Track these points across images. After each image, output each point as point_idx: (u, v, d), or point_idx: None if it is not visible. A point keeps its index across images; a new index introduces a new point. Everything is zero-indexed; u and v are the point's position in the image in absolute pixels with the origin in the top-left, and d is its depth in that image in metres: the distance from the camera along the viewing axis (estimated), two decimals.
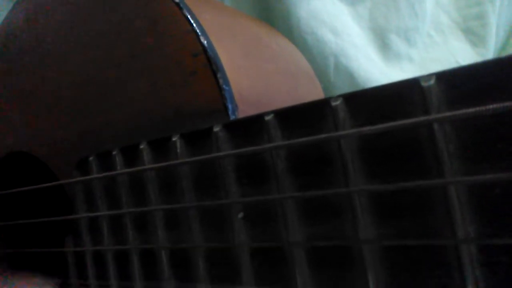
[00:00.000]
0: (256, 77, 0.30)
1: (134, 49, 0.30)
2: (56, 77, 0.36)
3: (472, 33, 0.58)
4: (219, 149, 0.24)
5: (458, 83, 0.17)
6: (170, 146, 0.26)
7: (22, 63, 0.39)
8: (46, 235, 0.40)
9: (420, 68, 0.56)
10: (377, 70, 0.54)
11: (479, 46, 0.58)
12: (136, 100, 0.30)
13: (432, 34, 0.58)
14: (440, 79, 0.17)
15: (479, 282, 0.17)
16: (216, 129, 0.24)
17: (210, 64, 0.26)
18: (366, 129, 0.19)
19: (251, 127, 0.23)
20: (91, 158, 0.31)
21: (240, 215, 0.23)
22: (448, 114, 0.17)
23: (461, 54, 0.57)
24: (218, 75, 0.26)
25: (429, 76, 0.17)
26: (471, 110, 0.16)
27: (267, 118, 0.22)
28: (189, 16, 0.27)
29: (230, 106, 0.26)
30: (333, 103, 0.20)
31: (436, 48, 0.58)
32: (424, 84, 0.17)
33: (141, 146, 0.28)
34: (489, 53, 0.58)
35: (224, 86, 0.26)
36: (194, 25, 0.27)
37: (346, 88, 0.52)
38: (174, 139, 0.26)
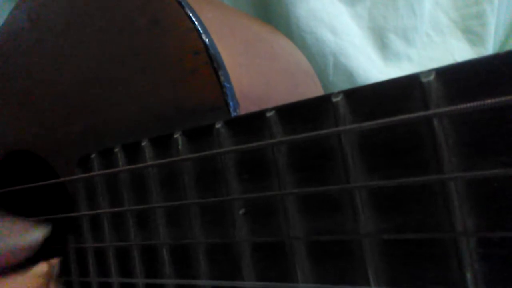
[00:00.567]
0: (256, 75, 0.30)
1: (136, 47, 0.30)
2: (57, 75, 0.36)
3: (471, 32, 0.58)
4: (221, 145, 0.24)
5: (457, 78, 0.17)
6: (172, 143, 0.26)
7: (24, 62, 0.39)
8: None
9: (419, 68, 0.56)
10: (376, 70, 0.54)
11: (478, 46, 0.58)
12: (138, 97, 0.30)
13: (431, 33, 0.58)
14: (440, 75, 0.17)
15: (478, 274, 0.17)
16: (217, 125, 0.24)
17: (212, 62, 0.27)
18: (367, 124, 0.19)
19: (253, 124, 0.23)
20: (92, 156, 0.31)
21: (242, 211, 0.24)
22: (447, 109, 0.17)
23: (460, 53, 0.58)
24: (220, 73, 0.27)
25: (429, 72, 0.17)
26: (470, 105, 0.16)
27: (268, 114, 0.22)
28: (190, 14, 0.27)
29: (231, 103, 0.26)
30: (334, 99, 0.20)
31: (434, 47, 0.58)
32: (424, 79, 0.18)
33: (143, 144, 0.28)
34: (488, 52, 0.58)
35: (225, 84, 0.26)
36: (196, 23, 0.27)
37: (345, 87, 0.52)
38: (175, 136, 0.26)
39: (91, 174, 0.31)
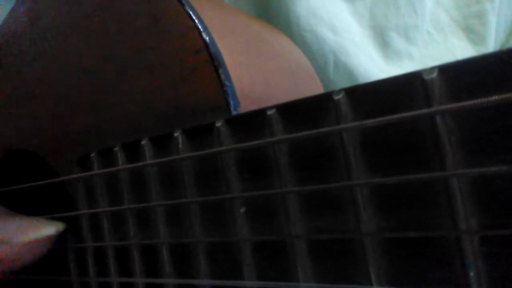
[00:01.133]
0: (257, 74, 0.30)
1: (136, 46, 0.30)
2: (57, 75, 0.36)
3: (472, 31, 0.58)
4: (221, 144, 0.24)
5: (460, 76, 0.17)
6: (172, 142, 0.26)
7: (24, 61, 0.39)
8: None
9: (420, 66, 0.56)
10: (376, 68, 0.54)
11: (479, 44, 0.58)
12: (138, 96, 0.30)
13: (432, 32, 0.58)
14: (443, 72, 0.17)
15: (481, 273, 0.17)
16: (218, 124, 0.24)
17: (212, 61, 0.27)
18: (369, 121, 0.19)
19: (253, 122, 0.23)
20: (92, 155, 0.31)
21: (242, 209, 0.24)
22: (450, 106, 0.17)
23: (461, 52, 0.58)
24: (220, 71, 0.26)
25: (432, 69, 0.17)
26: (473, 102, 0.16)
27: (269, 112, 0.22)
28: (191, 13, 0.27)
29: (232, 102, 0.26)
30: (335, 97, 0.20)
31: (436, 46, 0.58)
32: (426, 77, 0.17)
33: (143, 142, 0.28)
34: (488, 51, 0.58)
35: (226, 82, 0.26)
36: (196, 21, 0.27)
37: (345, 86, 0.52)
38: (176, 135, 0.26)
39: (91, 173, 0.31)
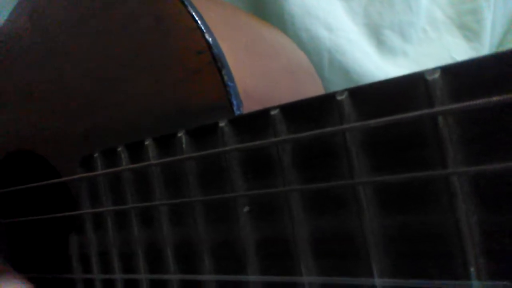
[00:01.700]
0: (259, 74, 0.30)
1: (139, 46, 0.30)
2: (59, 75, 0.36)
3: (467, 28, 0.58)
4: (225, 144, 0.24)
5: (462, 76, 0.17)
6: (176, 142, 0.26)
7: (26, 61, 0.39)
8: (50, 233, 0.40)
9: (415, 63, 0.56)
10: (372, 66, 0.55)
11: (474, 41, 0.58)
12: (141, 97, 0.30)
13: (427, 29, 0.58)
14: (445, 73, 0.17)
15: (482, 270, 0.17)
16: (221, 124, 0.24)
17: (215, 61, 0.27)
18: (372, 122, 0.19)
19: (257, 122, 0.23)
20: (95, 155, 0.31)
21: (246, 208, 0.24)
22: (451, 106, 0.17)
23: (456, 49, 0.58)
24: (223, 72, 0.27)
25: (434, 69, 0.18)
26: (474, 102, 0.17)
27: (273, 112, 0.22)
28: (193, 13, 0.28)
29: (235, 102, 0.26)
30: (339, 97, 0.20)
31: (430, 43, 0.58)
32: (429, 77, 0.18)
33: (146, 143, 0.28)
34: (484, 48, 0.58)
35: (229, 83, 0.26)
36: (199, 22, 0.27)
37: (341, 84, 0.53)
38: (179, 135, 0.26)
39: (95, 173, 0.31)
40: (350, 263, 0.21)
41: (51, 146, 0.37)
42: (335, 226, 0.21)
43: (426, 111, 0.18)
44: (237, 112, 0.26)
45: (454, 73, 0.17)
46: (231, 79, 0.27)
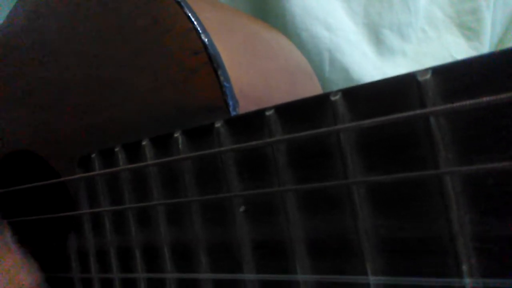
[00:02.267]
0: (256, 74, 0.30)
1: (136, 47, 0.30)
2: (58, 75, 0.36)
3: (466, 27, 0.59)
4: (221, 144, 0.24)
5: (453, 77, 0.17)
6: (172, 143, 0.26)
7: (25, 62, 0.39)
8: (49, 233, 0.40)
9: (414, 63, 0.57)
10: (371, 65, 0.55)
11: (474, 40, 0.58)
12: (138, 97, 0.30)
13: (426, 29, 0.58)
14: (436, 74, 0.18)
15: (474, 269, 0.17)
16: (217, 124, 0.24)
17: (211, 62, 0.27)
18: (365, 122, 0.19)
19: (252, 123, 0.23)
20: (93, 155, 0.31)
21: (242, 208, 0.24)
22: (444, 107, 0.17)
23: (455, 48, 0.58)
24: (219, 72, 0.27)
25: (426, 70, 0.18)
26: (466, 103, 0.17)
27: (267, 113, 0.22)
28: (190, 14, 0.28)
29: (231, 103, 0.27)
30: (333, 98, 0.20)
31: (430, 42, 0.58)
32: (420, 78, 0.18)
33: (143, 143, 0.28)
34: (483, 47, 0.59)
35: (225, 83, 0.27)
36: (195, 23, 0.27)
37: (341, 83, 0.53)
38: (176, 135, 0.26)
39: (93, 173, 0.31)
40: (344, 262, 0.21)
41: (50, 146, 0.37)
42: (329, 225, 0.21)
43: (417, 112, 0.18)
44: (233, 113, 0.26)
45: (446, 74, 0.17)
46: (227, 79, 0.27)
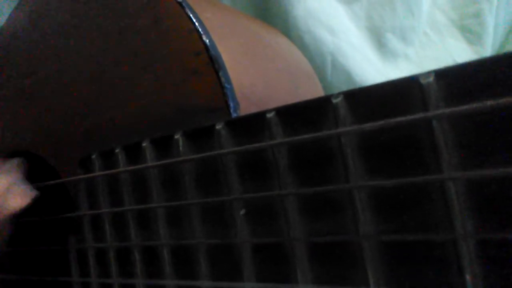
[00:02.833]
0: (257, 76, 0.30)
1: (137, 48, 0.30)
2: (58, 76, 0.36)
3: (469, 31, 0.58)
4: (222, 146, 0.24)
5: (456, 80, 0.17)
6: (173, 144, 0.26)
7: (26, 62, 0.39)
8: (49, 234, 0.40)
9: (417, 67, 0.57)
10: (373, 69, 0.55)
11: (476, 44, 0.58)
12: (139, 98, 0.30)
13: (428, 32, 0.58)
14: (439, 77, 0.17)
15: (477, 276, 0.17)
16: (218, 126, 0.24)
17: (212, 63, 0.27)
18: (366, 126, 0.19)
19: (253, 125, 0.23)
20: (93, 156, 0.31)
21: (242, 211, 0.24)
22: (447, 110, 0.17)
23: (458, 52, 0.58)
24: (220, 73, 0.27)
25: (428, 73, 0.18)
26: (469, 106, 0.16)
27: (268, 115, 0.22)
28: (191, 15, 0.28)
29: (232, 104, 0.26)
30: (334, 100, 0.20)
31: (432, 46, 0.58)
32: (423, 81, 0.18)
33: (144, 144, 0.28)
34: (486, 51, 0.58)
35: (226, 85, 0.26)
36: (197, 24, 0.27)
37: (343, 87, 0.53)
38: (176, 137, 0.26)
39: (93, 174, 0.31)
40: (345, 267, 0.21)
41: (51, 146, 0.37)
42: (330, 229, 0.21)
43: (420, 115, 0.18)
44: (233, 114, 0.26)
45: (448, 77, 0.17)
46: (228, 80, 0.27)
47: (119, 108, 0.31)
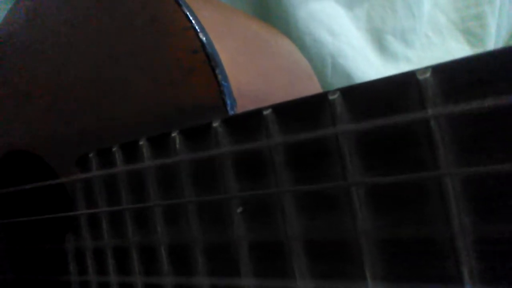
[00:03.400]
0: (254, 73, 0.30)
1: (134, 46, 0.30)
2: (55, 75, 0.36)
3: (471, 33, 0.58)
4: (218, 144, 0.24)
5: (453, 76, 0.17)
6: (170, 142, 0.26)
7: (22, 62, 0.39)
8: (47, 233, 0.40)
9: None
10: (374, 71, 0.55)
11: (478, 47, 0.58)
12: (137, 97, 0.30)
13: (429, 34, 0.58)
14: (436, 72, 0.17)
15: (475, 272, 0.17)
16: (215, 124, 0.24)
17: (209, 61, 0.27)
18: (363, 124, 0.19)
19: (250, 122, 0.23)
20: (91, 155, 0.31)
21: (239, 209, 0.24)
22: (445, 109, 0.17)
23: (459, 54, 0.58)
24: (217, 71, 0.27)
25: (425, 69, 0.18)
26: (468, 105, 0.16)
27: (265, 112, 0.22)
28: (188, 13, 0.28)
29: (228, 102, 0.26)
30: (331, 97, 0.20)
31: (434, 48, 0.58)
32: (420, 77, 0.18)
33: (141, 142, 0.28)
34: None
35: (223, 82, 0.26)
36: (193, 22, 0.27)
37: None
38: (173, 134, 0.26)
39: (91, 174, 0.31)
40: (343, 264, 0.20)
41: (48, 146, 0.37)
42: (328, 226, 0.21)
43: (416, 114, 0.18)
44: (231, 112, 0.26)
45: (446, 72, 0.17)
46: (225, 78, 0.27)
47: (117, 107, 0.31)
